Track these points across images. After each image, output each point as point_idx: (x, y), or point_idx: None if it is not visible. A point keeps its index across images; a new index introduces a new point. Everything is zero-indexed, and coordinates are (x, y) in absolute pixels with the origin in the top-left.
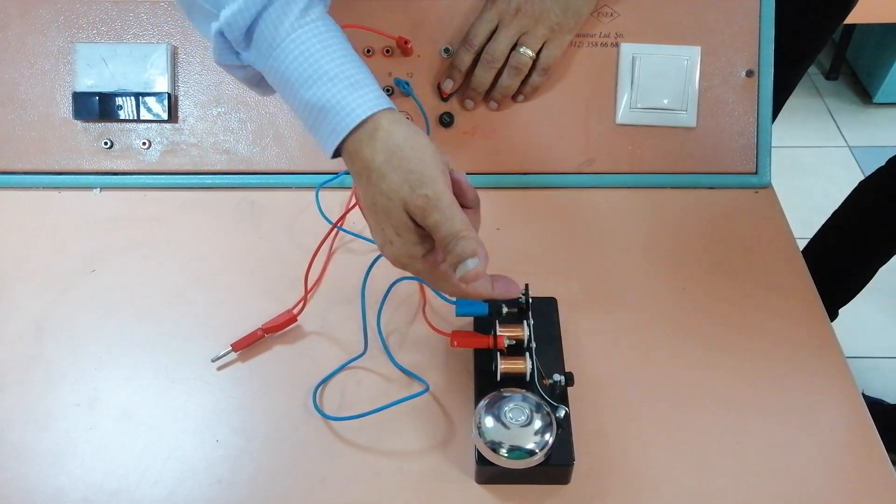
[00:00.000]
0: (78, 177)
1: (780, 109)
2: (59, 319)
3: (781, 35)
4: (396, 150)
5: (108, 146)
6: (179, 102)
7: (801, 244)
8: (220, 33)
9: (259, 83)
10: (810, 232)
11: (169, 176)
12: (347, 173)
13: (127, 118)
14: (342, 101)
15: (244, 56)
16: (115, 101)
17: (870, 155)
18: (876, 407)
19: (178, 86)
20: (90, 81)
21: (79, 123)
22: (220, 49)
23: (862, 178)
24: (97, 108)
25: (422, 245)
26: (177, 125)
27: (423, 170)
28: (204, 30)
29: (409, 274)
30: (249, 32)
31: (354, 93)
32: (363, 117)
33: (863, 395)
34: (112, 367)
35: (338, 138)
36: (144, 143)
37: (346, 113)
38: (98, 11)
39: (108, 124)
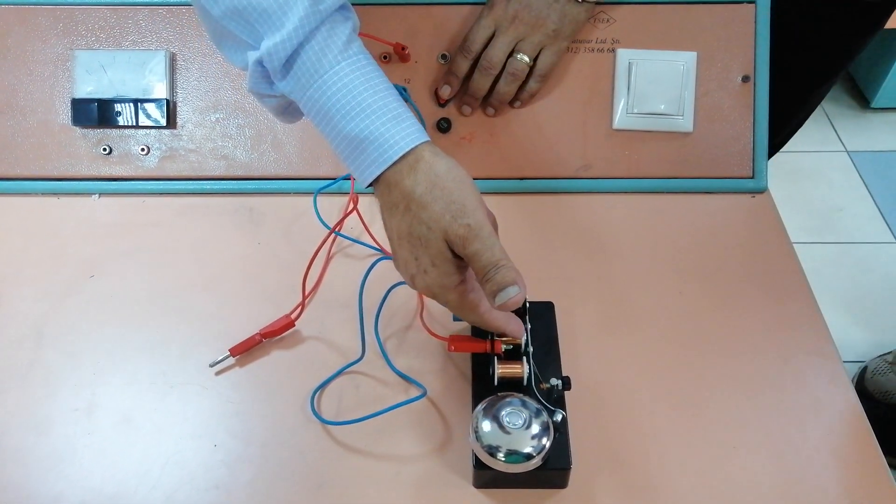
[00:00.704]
0: (77, 183)
1: (797, 129)
2: (59, 325)
3: (804, 55)
4: (438, 181)
5: (106, 152)
6: (178, 108)
7: (799, 249)
8: (259, 62)
9: (286, 111)
10: (808, 237)
11: (167, 182)
12: (346, 178)
13: (125, 124)
14: (385, 133)
15: (279, 86)
16: (113, 108)
17: (868, 160)
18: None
19: (176, 92)
20: (89, 88)
21: (77, 130)
22: (257, 78)
23: (861, 182)
24: (96, 114)
25: (458, 275)
26: (175, 131)
27: (465, 200)
28: (235, 58)
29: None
30: (289, 63)
31: (397, 126)
32: (406, 149)
33: None
34: (111, 373)
35: (380, 169)
36: (143, 149)
37: (389, 145)
38: (97, 18)
39: (107, 130)
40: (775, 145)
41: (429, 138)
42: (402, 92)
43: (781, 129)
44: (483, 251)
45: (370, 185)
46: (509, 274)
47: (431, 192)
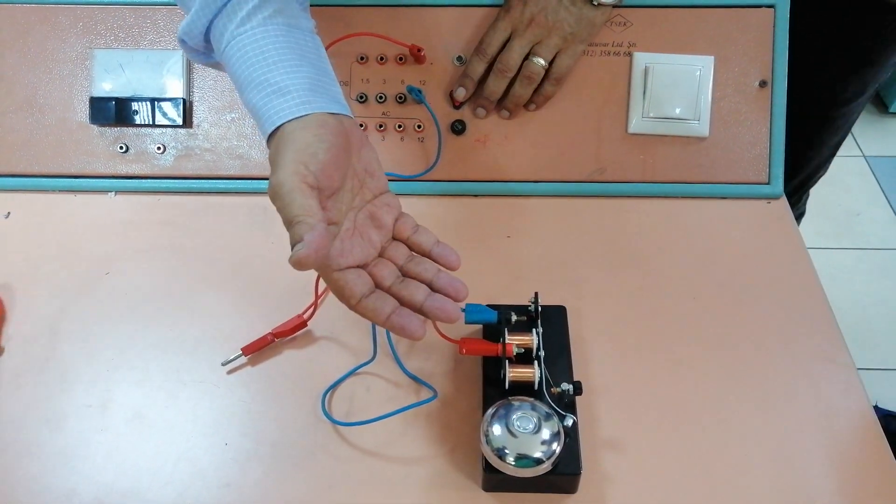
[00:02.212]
0: (93, 180)
1: (833, 153)
2: (73, 321)
3: (828, 69)
4: (277, 146)
5: (123, 150)
6: (194, 108)
7: (815, 254)
8: (182, 41)
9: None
10: (824, 242)
11: (183, 180)
12: None
13: (142, 123)
14: (262, 108)
15: (212, 56)
16: (131, 106)
17: (886, 165)
18: (888, 419)
19: (193, 91)
20: (107, 86)
21: (95, 128)
22: (187, 52)
23: (878, 187)
24: (113, 112)
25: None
26: (191, 130)
27: (281, 159)
28: None
29: None
30: (207, 39)
31: (274, 101)
32: (274, 126)
33: (877, 407)
34: (125, 370)
35: (265, 141)
36: (159, 148)
37: (264, 120)
38: (116, 18)
39: (124, 129)
40: (809, 175)
41: (307, 112)
42: (418, 94)
43: (813, 156)
44: (282, 208)
45: None
46: (300, 230)
47: (272, 158)
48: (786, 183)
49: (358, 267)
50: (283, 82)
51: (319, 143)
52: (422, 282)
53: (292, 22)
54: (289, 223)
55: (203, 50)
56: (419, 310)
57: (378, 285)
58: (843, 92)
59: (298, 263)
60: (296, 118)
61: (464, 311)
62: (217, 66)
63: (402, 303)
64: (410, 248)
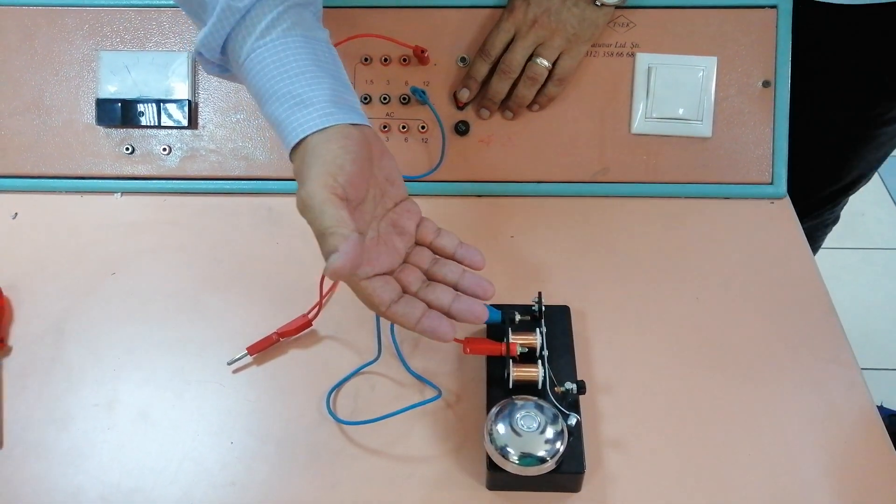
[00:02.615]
0: (100, 181)
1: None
2: (80, 321)
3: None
4: (303, 158)
5: (129, 152)
6: (199, 109)
7: (819, 254)
8: (199, 53)
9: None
10: (828, 242)
11: (188, 181)
12: None
13: (148, 124)
14: (285, 121)
15: (229, 69)
16: (136, 108)
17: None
18: (893, 419)
19: (198, 93)
20: (113, 88)
21: (101, 129)
22: (204, 65)
23: (882, 187)
24: (119, 114)
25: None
26: (197, 131)
27: (308, 172)
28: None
29: None
30: (224, 52)
31: (297, 113)
32: (298, 139)
33: (881, 407)
34: (130, 369)
35: (287, 153)
36: (165, 149)
37: (288, 132)
38: (122, 20)
39: (130, 130)
40: (848, 185)
41: (330, 123)
42: (422, 94)
43: (853, 167)
44: (313, 220)
45: None
46: (333, 241)
47: (298, 170)
48: (822, 189)
49: (384, 274)
50: (304, 94)
51: (346, 155)
52: (447, 284)
53: (309, 34)
54: (321, 234)
55: (220, 62)
56: (447, 312)
57: (405, 290)
58: (887, 112)
59: (335, 273)
60: (319, 130)
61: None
62: (233, 78)
63: (430, 306)
64: (434, 252)
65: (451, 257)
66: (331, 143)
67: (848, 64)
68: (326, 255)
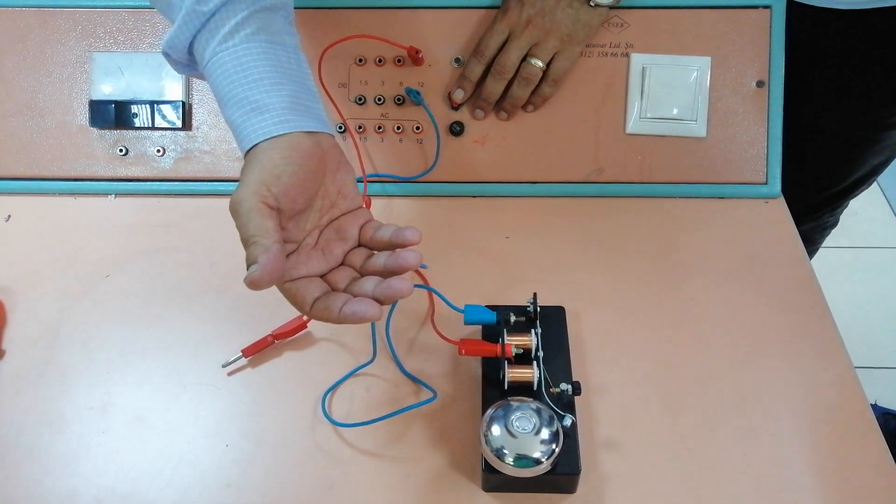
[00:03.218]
0: (93, 183)
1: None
2: (74, 324)
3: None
4: (246, 164)
5: (123, 153)
6: (193, 110)
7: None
8: (166, 53)
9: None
10: (829, 242)
11: (182, 183)
12: (359, 180)
13: (142, 126)
14: (242, 125)
15: (196, 69)
16: (130, 109)
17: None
18: (887, 417)
19: (192, 94)
20: (106, 90)
21: (95, 131)
22: (172, 65)
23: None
24: (113, 115)
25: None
26: (190, 133)
27: (245, 177)
28: None
29: (419, 281)
30: (191, 53)
31: (252, 119)
32: (250, 145)
33: (875, 405)
34: (125, 372)
35: (243, 155)
36: (159, 151)
37: (242, 137)
38: (115, 21)
39: (124, 132)
40: (848, 189)
41: (283, 131)
42: (416, 95)
43: (854, 171)
44: (239, 227)
45: None
46: (254, 251)
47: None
48: (823, 192)
49: (313, 276)
50: (262, 101)
51: (286, 166)
52: (375, 274)
53: (276, 39)
54: (245, 242)
55: (187, 62)
56: (373, 299)
57: (333, 289)
58: (891, 116)
59: (253, 284)
60: (270, 138)
61: (463, 312)
62: (201, 77)
63: (355, 296)
64: (373, 248)
65: (389, 246)
66: (274, 151)
67: (853, 67)
68: (248, 264)
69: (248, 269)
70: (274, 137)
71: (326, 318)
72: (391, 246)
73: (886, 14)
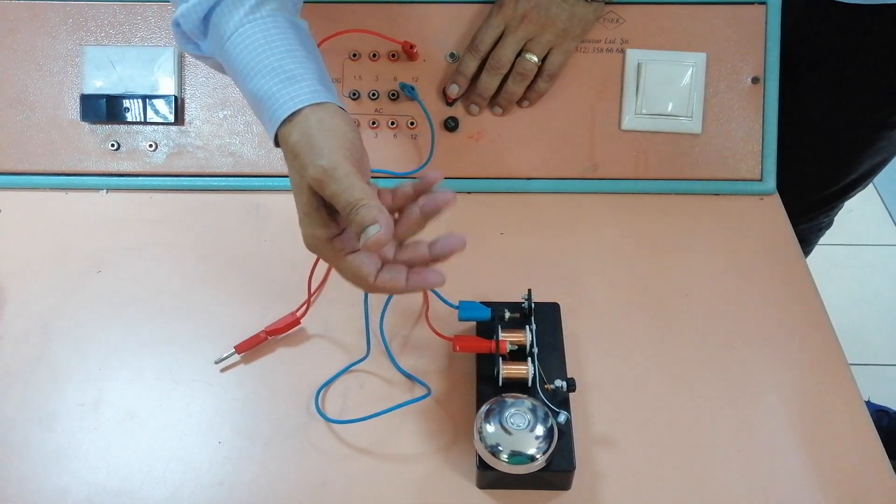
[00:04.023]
0: (85, 178)
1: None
2: (65, 320)
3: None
4: (307, 130)
5: (114, 148)
6: (186, 105)
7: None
8: (177, 24)
9: (223, 70)
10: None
11: (175, 178)
12: None
13: (134, 120)
14: (276, 94)
15: (203, 46)
16: (122, 104)
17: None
18: (880, 414)
19: (184, 88)
20: (98, 84)
21: (86, 125)
22: (179, 38)
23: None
24: (104, 110)
25: (326, 228)
26: (183, 128)
27: (323, 143)
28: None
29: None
30: (205, 24)
31: (289, 87)
32: (293, 110)
33: (869, 402)
34: (117, 368)
35: (274, 127)
36: (151, 146)
37: (278, 106)
38: (106, 14)
39: (116, 126)
40: (844, 189)
41: (327, 100)
42: (411, 90)
43: (851, 171)
44: (340, 192)
45: (277, 144)
46: (370, 213)
47: (300, 142)
48: (820, 191)
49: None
50: (296, 70)
51: (353, 133)
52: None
53: (293, 20)
54: (352, 206)
55: (196, 38)
56: (428, 263)
57: (384, 261)
58: (889, 116)
59: (377, 244)
60: (317, 104)
61: (457, 308)
62: (203, 58)
63: (411, 266)
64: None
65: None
66: (336, 118)
67: (851, 66)
68: (361, 226)
69: (361, 233)
70: (321, 104)
71: (392, 289)
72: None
73: (884, 12)
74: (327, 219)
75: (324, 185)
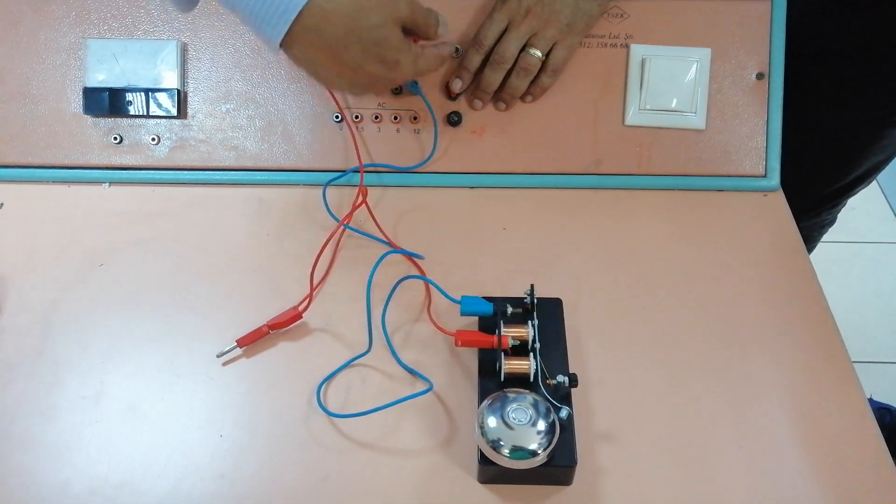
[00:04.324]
0: (87, 171)
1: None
2: (67, 313)
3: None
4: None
5: (117, 141)
6: (188, 98)
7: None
8: None
9: None
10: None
11: (177, 172)
12: (356, 170)
13: (136, 114)
14: None
15: None
16: (125, 97)
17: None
18: (883, 412)
19: (187, 82)
20: (101, 77)
21: (89, 118)
22: None
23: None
24: (107, 103)
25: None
26: (186, 121)
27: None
28: None
29: (415, 272)
30: None
31: None
32: None
33: (871, 399)
34: (119, 361)
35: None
36: (153, 139)
37: None
38: (109, 7)
39: (118, 119)
40: (847, 186)
41: None
42: (414, 85)
43: (854, 169)
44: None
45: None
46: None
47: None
48: (824, 188)
49: None
50: None
51: None
52: None
53: None
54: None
55: None
56: None
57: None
58: (893, 114)
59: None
60: None
61: (460, 303)
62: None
63: None
64: None
65: None
66: None
67: (857, 62)
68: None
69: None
70: None
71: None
72: None
73: (888, 8)
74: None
75: (417, 17)
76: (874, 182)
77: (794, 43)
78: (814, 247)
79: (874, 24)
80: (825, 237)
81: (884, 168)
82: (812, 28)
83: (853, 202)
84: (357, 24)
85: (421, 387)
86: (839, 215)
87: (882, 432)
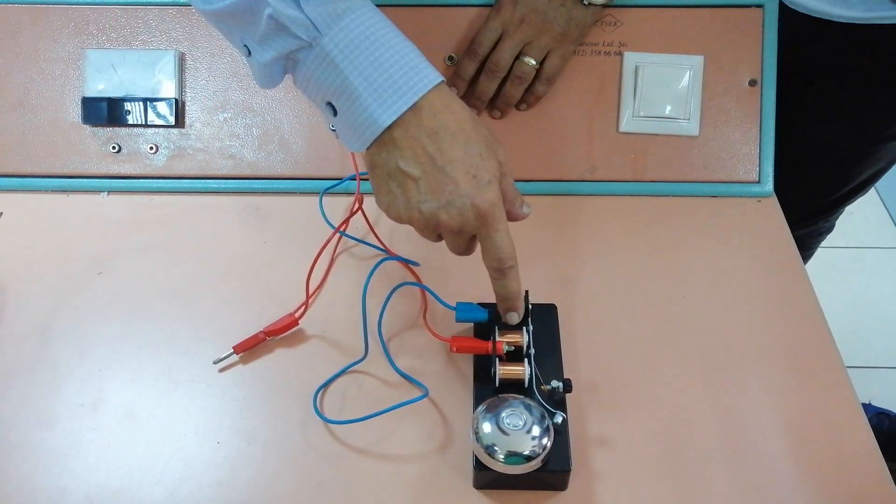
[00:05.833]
0: (86, 180)
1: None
2: (66, 321)
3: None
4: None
5: (115, 150)
6: (186, 108)
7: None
8: (271, 17)
9: (272, 72)
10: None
11: (175, 180)
12: (352, 178)
13: (135, 123)
14: (419, 64)
15: (305, 7)
16: (123, 106)
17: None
18: (881, 417)
19: (185, 91)
20: (99, 87)
21: (87, 128)
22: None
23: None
24: (106, 112)
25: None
26: (183, 130)
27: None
28: (235, 39)
29: (410, 279)
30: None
31: (426, 61)
32: (441, 80)
33: (870, 404)
34: (117, 369)
35: (421, 92)
36: (151, 148)
37: (428, 72)
38: (108, 18)
39: (117, 129)
40: (845, 195)
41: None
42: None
43: (850, 180)
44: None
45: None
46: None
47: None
48: (819, 199)
49: None
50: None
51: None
52: None
53: None
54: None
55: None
56: None
57: None
58: (887, 129)
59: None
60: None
61: (455, 309)
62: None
63: None
64: None
65: None
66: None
67: (849, 82)
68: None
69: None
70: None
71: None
72: None
73: (881, 30)
74: None
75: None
76: (872, 188)
77: (787, 63)
78: (811, 254)
79: (865, 48)
80: (823, 243)
81: (879, 178)
82: (804, 49)
83: (850, 208)
84: (472, 127)
85: (416, 393)
86: (837, 221)
87: (881, 437)
